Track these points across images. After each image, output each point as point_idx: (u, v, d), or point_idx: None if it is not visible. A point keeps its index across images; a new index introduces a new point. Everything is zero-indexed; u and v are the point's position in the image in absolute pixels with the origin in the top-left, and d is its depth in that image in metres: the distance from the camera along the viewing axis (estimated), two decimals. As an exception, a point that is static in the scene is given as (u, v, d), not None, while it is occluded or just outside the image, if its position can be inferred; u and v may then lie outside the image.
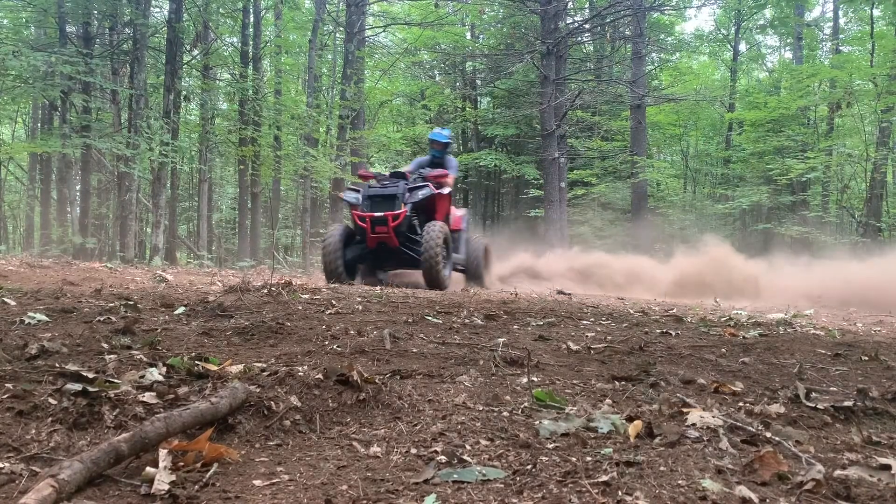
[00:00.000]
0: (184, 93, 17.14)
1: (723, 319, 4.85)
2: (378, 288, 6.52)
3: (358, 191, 7.68)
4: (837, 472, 1.39)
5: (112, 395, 1.69)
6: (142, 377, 1.94)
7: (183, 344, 2.68)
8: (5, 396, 1.65)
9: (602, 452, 1.48)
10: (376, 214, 7.21)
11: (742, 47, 24.26)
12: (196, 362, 2.20)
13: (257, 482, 1.32)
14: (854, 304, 7.56)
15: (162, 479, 1.27)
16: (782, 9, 21.19)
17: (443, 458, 1.44)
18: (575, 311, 4.64)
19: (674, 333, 3.68)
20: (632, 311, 5.03)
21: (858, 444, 1.66)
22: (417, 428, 1.67)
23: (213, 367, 2.14)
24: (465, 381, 2.18)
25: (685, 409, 1.81)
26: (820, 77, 18.22)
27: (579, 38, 19.20)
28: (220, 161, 23.07)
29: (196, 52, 17.19)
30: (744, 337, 3.65)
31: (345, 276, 7.24)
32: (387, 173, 8.11)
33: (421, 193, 7.43)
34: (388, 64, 22.47)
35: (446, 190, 7.75)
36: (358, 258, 7.59)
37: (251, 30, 18.17)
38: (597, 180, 18.97)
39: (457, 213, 8.45)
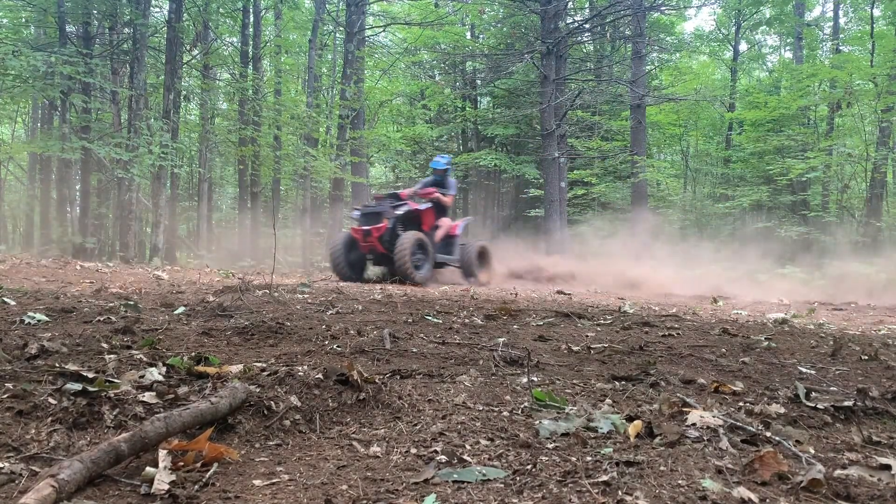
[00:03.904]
0: (184, 93, 17.13)
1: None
2: (378, 287, 6.55)
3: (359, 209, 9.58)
4: (837, 472, 1.39)
5: (112, 395, 1.69)
6: (142, 377, 1.94)
7: (183, 344, 2.68)
8: (5, 396, 1.65)
9: (602, 452, 1.48)
10: (365, 228, 9.09)
11: (742, 47, 24.25)
12: (196, 362, 2.20)
13: (257, 482, 1.32)
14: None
15: (162, 479, 1.27)
16: (781, 8, 21.20)
17: (443, 458, 1.44)
18: (575, 310, 4.64)
19: (674, 333, 3.68)
20: (631, 311, 5.03)
21: (858, 444, 1.66)
22: (417, 428, 1.67)
23: (213, 368, 2.14)
24: (465, 381, 2.18)
25: (685, 409, 1.81)
26: (820, 77, 18.20)
27: (579, 38, 19.19)
28: (220, 161, 23.07)
29: (196, 52, 17.19)
30: (744, 337, 3.65)
31: (349, 274, 9.06)
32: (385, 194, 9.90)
33: (401, 210, 9.23)
34: (388, 64, 22.46)
35: (423, 206, 9.59)
36: (359, 260, 9.51)
37: (251, 29, 18.16)
38: (597, 180, 18.95)
39: (452, 222, 10.12)
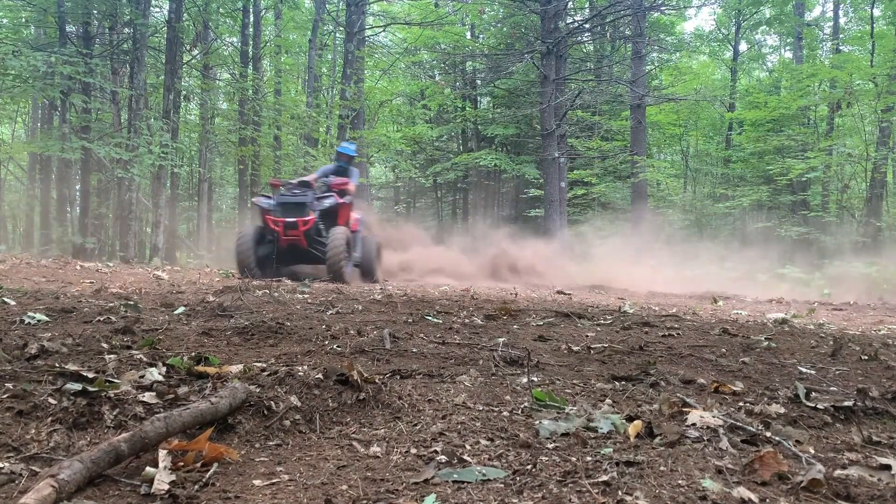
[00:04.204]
0: (184, 93, 17.13)
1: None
2: (378, 287, 6.56)
3: (270, 197, 8.60)
4: (837, 472, 1.39)
5: (112, 395, 1.69)
6: (142, 377, 1.94)
7: (183, 344, 2.68)
8: (5, 396, 1.65)
9: (602, 452, 1.48)
10: (289, 219, 8.18)
11: (742, 47, 24.25)
12: (196, 362, 2.20)
13: (257, 482, 1.32)
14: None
15: (162, 479, 1.27)
16: (781, 8, 21.20)
17: (443, 458, 1.44)
18: (575, 310, 4.64)
19: (674, 333, 3.68)
20: (631, 311, 5.03)
21: (858, 444, 1.66)
22: (417, 428, 1.67)
23: (213, 368, 2.14)
24: (465, 381, 2.18)
25: (685, 409, 1.81)
26: (820, 77, 18.20)
27: (579, 38, 19.19)
28: (220, 161, 23.07)
29: (196, 52, 17.19)
30: (744, 337, 3.65)
31: (256, 272, 8.04)
32: (295, 181, 9.13)
33: (327, 202, 8.49)
34: (388, 64, 22.46)
35: (348, 199, 8.86)
36: (269, 255, 8.48)
37: (251, 30, 18.17)
38: (597, 180, 18.95)
39: (354, 216, 9.40)
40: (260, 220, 8.58)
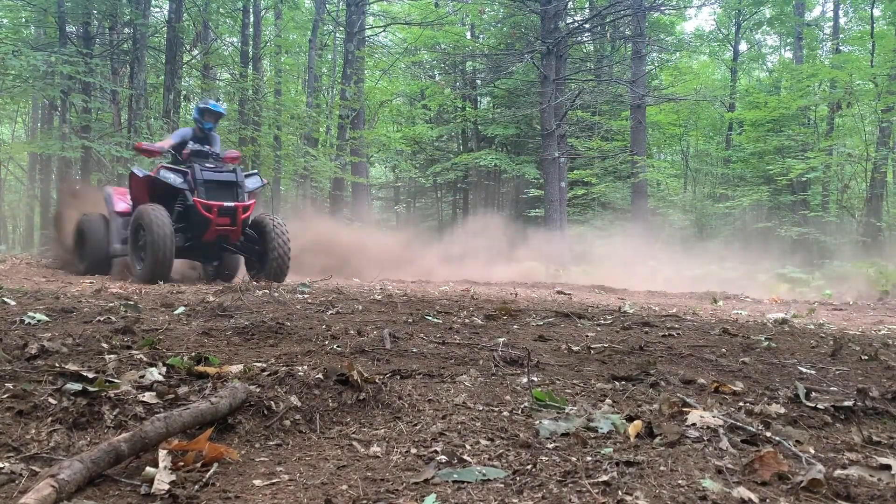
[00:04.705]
0: (184, 93, 17.13)
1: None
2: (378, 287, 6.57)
3: (183, 172, 6.63)
4: (837, 472, 1.39)
5: (112, 395, 1.69)
6: (142, 377, 1.94)
7: (183, 344, 2.68)
8: (5, 396, 1.65)
9: (602, 452, 1.48)
10: (226, 204, 6.42)
11: (742, 47, 24.25)
12: (196, 362, 2.20)
13: (257, 482, 1.32)
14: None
15: (162, 479, 1.27)
16: (781, 8, 21.22)
17: (443, 458, 1.44)
18: (575, 310, 4.64)
19: (674, 333, 3.68)
20: (631, 311, 5.03)
21: (858, 444, 1.66)
22: (417, 428, 1.67)
23: (213, 368, 2.14)
24: (465, 380, 2.17)
25: (685, 409, 1.81)
26: (820, 77, 18.20)
27: (579, 38, 19.20)
28: (220, 161, 23.08)
29: (196, 52, 17.19)
30: (744, 337, 3.65)
31: (169, 276, 6.36)
32: (181, 149, 7.06)
33: (252, 183, 6.88)
34: (388, 64, 22.46)
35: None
36: (184, 251, 6.68)
37: (251, 30, 18.17)
38: (597, 180, 18.95)
39: None
40: (153, 200, 6.53)
